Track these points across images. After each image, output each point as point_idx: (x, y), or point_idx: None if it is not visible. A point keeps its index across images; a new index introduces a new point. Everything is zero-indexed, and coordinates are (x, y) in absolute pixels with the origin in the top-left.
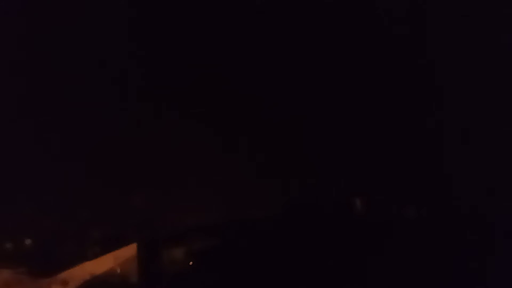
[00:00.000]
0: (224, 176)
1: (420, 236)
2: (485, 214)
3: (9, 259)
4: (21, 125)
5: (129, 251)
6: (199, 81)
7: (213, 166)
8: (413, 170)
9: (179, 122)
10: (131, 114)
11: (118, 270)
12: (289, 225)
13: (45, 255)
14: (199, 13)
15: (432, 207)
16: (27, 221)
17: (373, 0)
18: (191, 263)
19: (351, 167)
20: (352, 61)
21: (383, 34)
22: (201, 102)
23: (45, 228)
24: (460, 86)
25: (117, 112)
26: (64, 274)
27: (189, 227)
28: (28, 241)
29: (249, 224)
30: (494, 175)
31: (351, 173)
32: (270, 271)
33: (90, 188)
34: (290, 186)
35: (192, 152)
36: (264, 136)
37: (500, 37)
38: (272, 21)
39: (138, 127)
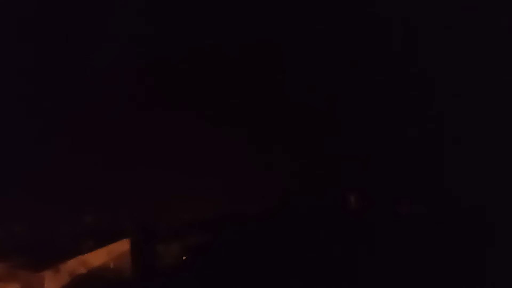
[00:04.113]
0: (219, 172)
1: (415, 233)
2: (482, 212)
3: (2, 253)
4: (16, 119)
5: (123, 245)
6: (194, 77)
7: (208, 162)
8: (410, 167)
9: (176, 116)
10: (124, 111)
11: (112, 264)
12: (284, 220)
13: (39, 249)
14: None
15: (428, 204)
16: (21, 214)
17: (374, 1)
18: (184, 257)
19: (348, 164)
20: (348, 59)
21: (385, 36)
22: (195, 98)
23: (39, 221)
24: (460, 84)
25: (111, 106)
26: (59, 267)
27: (183, 222)
28: (22, 235)
29: (244, 219)
30: (492, 174)
31: (348, 170)
32: (265, 266)
33: (86, 182)
34: (285, 182)
35: (188, 148)
36: (259, 132)
37: (500, 39)
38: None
39: (133, 122)
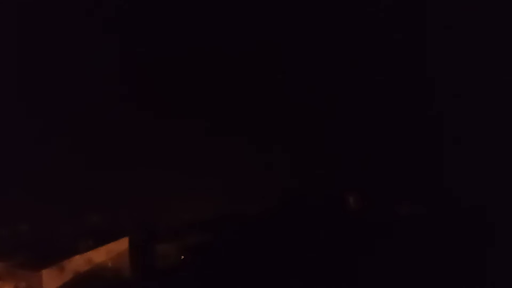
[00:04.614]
0: (219, 172)
1: (415, 233)
2: (482, 212)
3: (2, 252)
4: (19, 120)
5: (123, 245)
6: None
7: (208, 162)
8: (410, 168)
9: (176, 116)
10: (126, 114)
11: (112, 264)
12: (284, 220)
13: (39, 248)
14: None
15: (428, 204)
16: (21, 214)
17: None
18: (183, 257)
19: (348, 164)
20: (348, 59)
21: (385, 36)
22: (196, 98)
23: (39, 221)
24: (460, 84)
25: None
26: (59, 266)
27: (183, 222)
28: (22, 234)
29: (244, 219)
30: (492, 174)
31: (348, 170)
32: (265, 266)
33: (86, 182)
34: (285, 182)
35: (188, 148)
36: (259, 132)
37: (500, 39)
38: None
39: (133, 122)
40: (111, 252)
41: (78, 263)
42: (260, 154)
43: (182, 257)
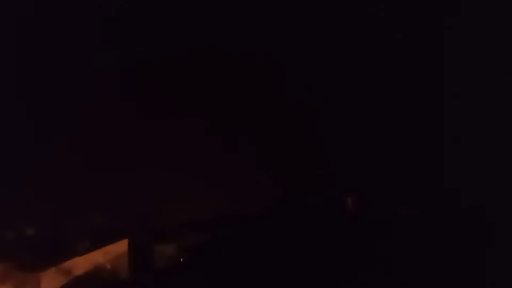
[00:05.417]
0: (217, 172)
1: (414, 233)
2: (482, 212)
3: (2, 253)
4: (20, 119)
5: (122, 245)
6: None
7: (206, 163)
8: (409, 167)
9: (176, 116)
10: (125, 114)
11: (111, 265)
12: (284, 221)
13: (38, 249)
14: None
15: (427, 204)
16: (19, 215)
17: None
18: (183, 258)
19: (347, 164)
20: (347, 59)
21: (382, 36)
22: (196, 98)
23: (37, 221)
24: (460, 83)
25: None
26: (57, 267)
27: (183, 222)
28: (20, 235)
29: (244, 219)
30: (492, 174)
31: (347, 170)
32: (264, 266)
33: (86, 182)
34: (283, 182)
35: (188, 148)
36: (259, 132)
37: (501, 38)
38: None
39: (133, 121)
40: (111, 253)
41: (78, 264)
42: (260, 154)
43: (183, 258)
